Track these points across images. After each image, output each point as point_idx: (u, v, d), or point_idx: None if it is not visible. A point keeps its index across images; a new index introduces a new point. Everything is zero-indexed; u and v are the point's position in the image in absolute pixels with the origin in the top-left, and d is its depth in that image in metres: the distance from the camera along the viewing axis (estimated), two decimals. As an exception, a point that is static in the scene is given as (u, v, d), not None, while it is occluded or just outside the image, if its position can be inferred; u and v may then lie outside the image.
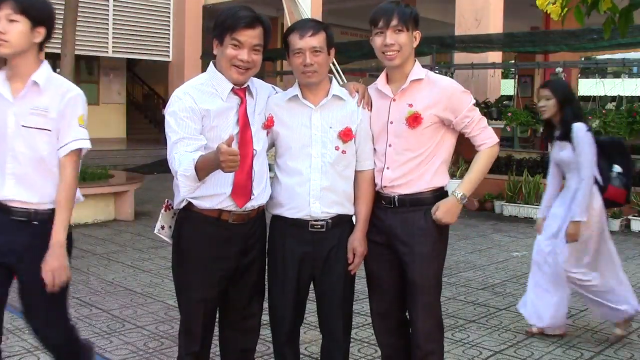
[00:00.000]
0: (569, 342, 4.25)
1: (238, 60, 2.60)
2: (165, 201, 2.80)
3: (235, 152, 2.28)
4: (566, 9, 2.70)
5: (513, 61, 15.40)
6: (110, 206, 8.68)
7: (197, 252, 2.69)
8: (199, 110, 2.59)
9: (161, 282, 5.54)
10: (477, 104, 2.90)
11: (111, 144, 16.69)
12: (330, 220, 2.77)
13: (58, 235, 2.55)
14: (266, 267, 2.88)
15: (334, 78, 2.88)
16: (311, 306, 3.05)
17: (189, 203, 2.66)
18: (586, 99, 15.82)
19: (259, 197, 2.72)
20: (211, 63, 2.73)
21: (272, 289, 2.86)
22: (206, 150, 2.51)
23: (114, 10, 15.10)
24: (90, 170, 9.19)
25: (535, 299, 4.31)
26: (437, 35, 11.20)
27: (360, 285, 3.04)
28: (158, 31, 15.89)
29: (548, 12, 2.75)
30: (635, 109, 8.96)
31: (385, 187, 2.80)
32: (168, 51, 16.10)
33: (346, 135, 2.74)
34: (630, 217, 8.61)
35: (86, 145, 2.65)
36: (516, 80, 11.65)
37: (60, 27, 9.09)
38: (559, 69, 11.66)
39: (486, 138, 2.80)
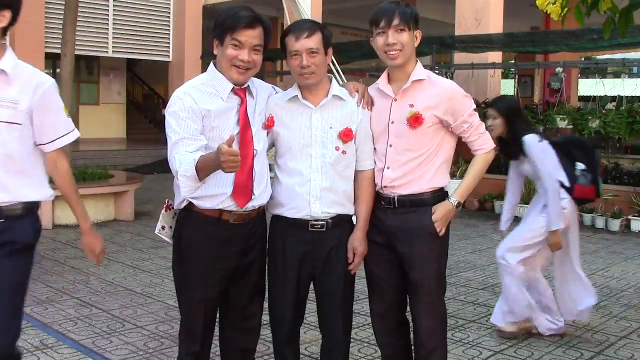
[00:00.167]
0: (569, 342, 4.25)
1: (238, 60, 2.60)
2: (166, 201, 2.80)
3: (236, 153, 2.27)
4: (566, 9, 2.70)
5: (513, 61, 15.40)
6: (110, 206, 8.67)
7: (198, 252, 2.69)
8: (199, 111, 2.59)
9: (161, 282, 5.54)
10: (477, 104, 2.90)
11: (111, 144, 16.71)
12: (330, 220, 2.77)
13: (86, 224, 2.72)
14: (266, 267, 2.88)
15: (333, 78, 2.88)
16: (311, 306, 3.05)
17: (190, 203, 2.66)
18: (586, 99, 15.84)
19: (259, 197, 2.72)
20: (211, 63, 2.73)
21: (272, 289, 2.86)
22: (207, 151, 2.51)
23: (114, 10, 15.10)
24: (90, 170, 9.20)
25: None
26: (437, 35, 11.19)
27: (360, 285, 3.04)
28: (158, 31, 15.89)
29: (548, 12, 2.75)
30: (635, 109, 8.96)
31: (385, 187, 2.80)
32: (168, 51, 16.10)
33: (346, 135, 2.74)
34: (630, 217, 8.61)
35: (78, 134, 2.67)
36: (516, 80, 11.66)
37: (60, 27, 9.11)
38: (559, 69, 11.66)
39: (483, 144, 2.83)
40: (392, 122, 2.77)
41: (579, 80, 17.89)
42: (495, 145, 2.90)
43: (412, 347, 2.98)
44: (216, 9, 14.26)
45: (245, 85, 2.71)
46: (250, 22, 2.58)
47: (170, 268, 2.90)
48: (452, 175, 3.09)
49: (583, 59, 14.13)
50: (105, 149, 15.28)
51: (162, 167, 12.83)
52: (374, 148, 2.84)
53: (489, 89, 11.07)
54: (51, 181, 2.67)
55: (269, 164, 2.81)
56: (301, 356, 3.14)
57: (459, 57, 11.58)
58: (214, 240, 2.68)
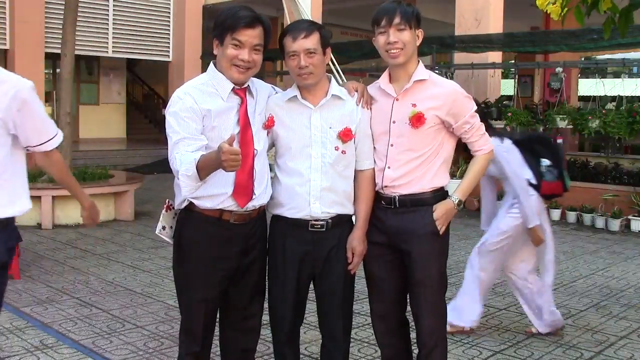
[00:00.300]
0: (569, 342, 4.25)
1: (239, 60, 2.60)
2: (166, 202, 2.80)
3: (237, 151, 2.28)
4: (566, 9, 2.70)
5: (513, 61, 15.39)
6: (110, 206, 8.67)
7: (198, 252, 2.69)
8: (199, 110, 2.59)
9: (161, 282, 5.54)
10: (477, 104, 2.91)
11: (111, 144, 16.71)
12: (330, 220, 2.77)
13: (88, 201, 2.90)
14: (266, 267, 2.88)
15: (332, 77, 2.88)
16: (311, 306, 3.05)
17: (190, 203, 2.66)
18: (586, 99, 15.83)
19: (260, 197, 2.72)
20: (211, 63, 2.73)
21: (272, 289, 2.86)
22: (207, 151, 2.51)
23: (114, 10, 15.09)
24: (90, 170, 9.20)
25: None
26: (437, 35, 11.18)
27: (360, 285, 3.04)
28: (158, 31, 15.88)
29: (548, 12, 2.75)
30: (635, 109, 8.96)
31: (386, 186, 2.80)
32: (168, 51, 16.10)
33: (346, 135, 2.74)
34: (630, 217, 8.61)
35: (62, 137, 2.67)
36: (516, 80, 11.65)
37: (60, 27, 9.11)
38: (559, 69, 11.66)
39: (484, 144, 2.84)
40: (394, 122, 2.77)
41: (579, 80, 17.88)
42: (494, 146, 2.91)
43: (412, 347, 2.98)
44: (216, 9, 14.26)
45: (245, 85, 2.71)
46: (250, 21, 2.59)
47: (170, 268, 2.91)
48: (452, 175, 3.08)
49: (583, 59, 14.12)
50: (105, 149, 15.28)
51: (162, 167, 12.84)
52: (375, 148, 2.83)
53: (489, 89, 11.07)
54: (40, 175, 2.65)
55: (269, 164, 2.81)
56: (301, 356, 3.14)
57: (459, 57, 11.57)
58: (214, 240, 2.68)
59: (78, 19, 9.22)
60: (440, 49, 11.36)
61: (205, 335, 2.78)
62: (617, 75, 21.20)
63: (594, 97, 10.86)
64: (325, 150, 2.74)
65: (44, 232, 7.65)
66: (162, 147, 14.33)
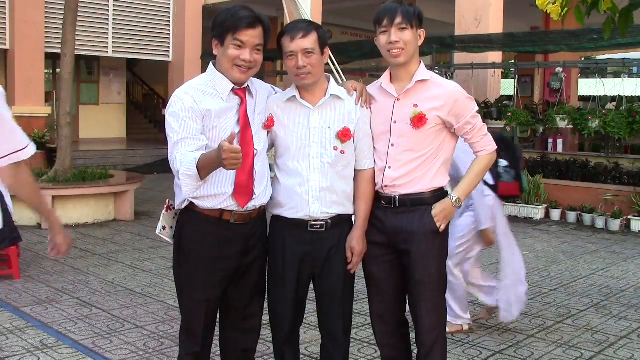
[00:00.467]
0: (569, 342, 4.25)
1: (240, 60, 2.61)
2: (167, 202, 2.80)
3: (238, 150, 2.28)
4: (566, 9, 2.70)
5: (513, 61, 15.39)
6: (110, 206, 8.68)
7: (199, 252, 2.69)
8: (199, 111, 2.59)
9: (161, 282, 5.54)
10: (477, 104, 2.91)
11: (111, 144, 16.70)
12: (329, 220, 2.77)
13: (61, 230, 2.57)
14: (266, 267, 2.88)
15: (331, 77, 2.87)
16: (311, 306, 3.05)
17: (191, 203, 2.66)
18: (586, 99, 15.83)
19: (260, 197, 2.72)
20: (211, 63, 2.74)
21: (272, 289, 2.86)
22: (207, 150, 2.51)
23: (114, 10, 15.09)
24: (90, 170, 9.19)
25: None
26: (437, 35, 11.18)
27: (360, 285, 3.04)
28: (158, 31, 15.88)
29: (548, 12, 2.75)
30: (635, 109, 8.96)
31: (386, 186, 2.79)
32: (168, 51, 16.09)
33: (345, 135, 2.74)
34: (630, 217, 8.61)
35: (34, 150, 2.38)
36: (516, 80, 11.65)
37: (60, 27, 9.11)
38: (559, 69, 11.67)
39: (485, 145, 2.83)
40: (395, 122, 2.77)
41: (579, 80, 17.89)
42: (497, 147, 2.90)
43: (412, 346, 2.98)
44: (216, 9, 14.26)
45: (245, 85, 2.71)
46: (251, 22, 2.59)
47: (170, 268, 2.91)
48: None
49: (583, 59, 14.12)
50: (105, 149, 15.27)
51: (162, 167, 12.86)
52: (375, 147, 2.83)
53: (489, 89, 11.07)
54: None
55: (269, 164, 2.81)
56: (301, 356, 3.14)
57: (459, 57, 11.58)
58: (214, 240, 2.68)
59: (78, 19, 9.22)
60: (440, 49, 11.37)
61: (205, 336, 2.78)
62: (617, 75, 21.21)
63: (594, 97, 10.85)
64: (324, 150, 2.74)
65: (44, 232, 7.64)
66: (162, 147, 14.34)
